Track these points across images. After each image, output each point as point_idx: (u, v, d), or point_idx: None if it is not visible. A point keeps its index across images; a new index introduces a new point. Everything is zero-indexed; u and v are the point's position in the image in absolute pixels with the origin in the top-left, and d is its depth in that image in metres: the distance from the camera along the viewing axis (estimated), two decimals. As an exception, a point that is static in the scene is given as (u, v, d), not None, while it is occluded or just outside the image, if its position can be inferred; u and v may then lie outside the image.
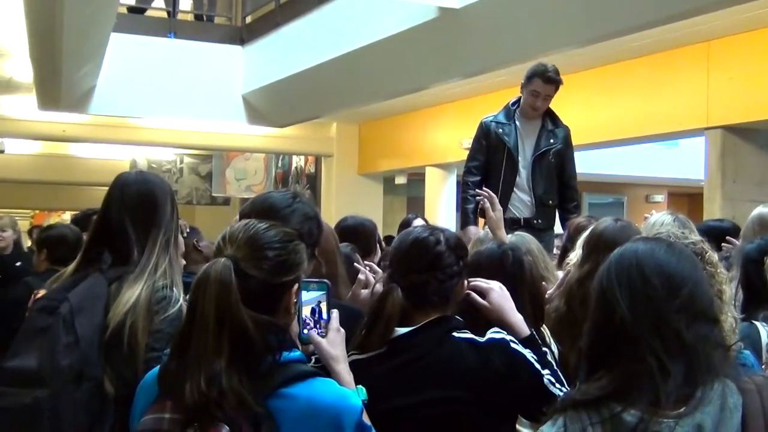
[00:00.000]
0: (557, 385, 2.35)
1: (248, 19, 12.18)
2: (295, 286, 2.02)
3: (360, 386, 2.15)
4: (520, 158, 5.42)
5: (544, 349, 2.49)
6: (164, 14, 12.13)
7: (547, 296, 3.15)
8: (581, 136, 10.11)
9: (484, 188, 4.76)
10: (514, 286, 2.63)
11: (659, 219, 3.70)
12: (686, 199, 15.56)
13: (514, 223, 5.21)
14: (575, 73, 9.47)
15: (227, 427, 1.80)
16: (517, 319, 2.49)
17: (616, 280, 1.81)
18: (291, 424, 1.86)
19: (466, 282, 2.50)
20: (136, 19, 11.67)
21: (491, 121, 5.50)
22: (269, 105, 11.68)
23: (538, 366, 2.35)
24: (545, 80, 5.30)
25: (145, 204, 2.54)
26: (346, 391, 1.99)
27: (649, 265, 1.80)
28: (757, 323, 2.94)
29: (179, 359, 1.89)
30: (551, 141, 5.43)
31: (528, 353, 2.36)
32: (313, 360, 2.19)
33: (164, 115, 12.10)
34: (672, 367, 1.70)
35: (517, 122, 5.47)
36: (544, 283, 3.13)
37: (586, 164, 12.10)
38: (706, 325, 1.77)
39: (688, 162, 12.44)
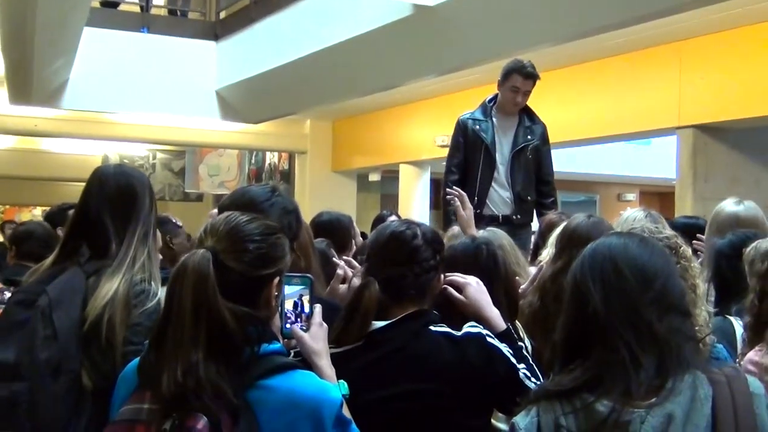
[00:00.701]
0: (533, 379, 2.39)
1: (222, 15, 12.15)
2: (276, 279, 2.03)
3: (342, 381, 2.17)
4: (497, 155, 5.45)
5: (520, 343, 2.52)
6: (137, 9, 12.09)
7: (520, 291, 3.18)
8: (554, 134, 10.09)
9: (454, 187, 4.80)
10: (488, 280, 2.66)
11: (632, 215, 3.73)
12: (657, 198, 15.70)
13: (493, 220, 5.24)
14: (549, 71, 9.43)
15: (205, 418, 1.81)
16: (494, 313, 2.53)
17: (590, 272, 1.84)
18: (270, 415, 1.87)
19: (442, 276, 2.53)
20: (109, 14, 11.60)
21: (468, 119, 5.53)
22: (243, 101, 11.65)
23: (513, 360, 2.38)
24: (524, 75, 5.35)
25: (123, 197, 2.55)
26: (326, 384, 2.01)
27: (622, 259, 1.84)
28: (731, 318, 3.00)
29: (157, 350, 1.90)
30: (529, 137, 5.47)
31: (504, 347, 2.39)
32: (292, 354, 2.21)
33: (137, 110, 12.03)
34: (644, 359, 1.74)
35: (494, 119, 5.50)
36: (517, 278, 3.16)
37: (558, 162, 12.03)
38: (677, 317, 1.81)
39: (660, 161, 12.55)
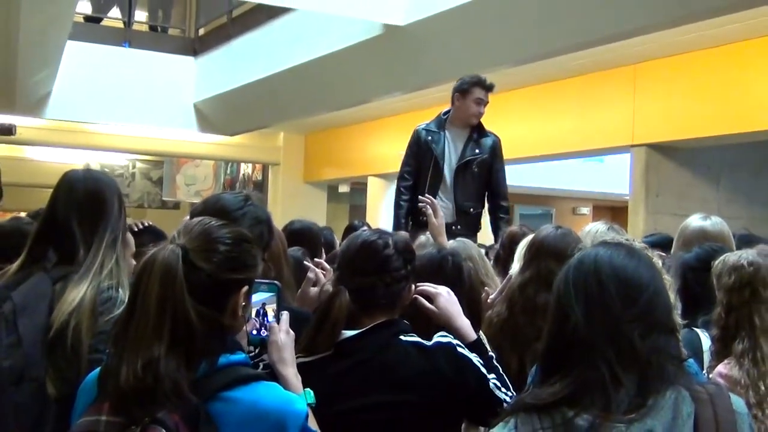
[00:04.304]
0: (503, 389, 2.23)
1: (201, 32, 12.11)
2: (245, 289, 1.84)
3: (308, 389, 2.01)
4: (445, 166, 5.35)
5: (490, 353, 2.36)
6: (120, 24, 12.00)
7: (489, 301, 3.03)
8: (516, 150, 10.10)
9: (426, 195, 4.67)
10: (452, 290, 2.49)
11: (594, 227, 3.60)
12: (610, 212, 15.66)
13: None
14: (510, 91, 9.47)
15: (164, 431, 1.63)
16: (464, 323, 2.36)
17: (573, 285, 1.67)
18: (233, 428, 1.70)
19: (413, 286, 2.37)
20: (93, 28, 11.55)
21: (423, 129, 5.45)
22: (219, 114, 11.54)
23: (484, 370, 2.22)
24: (486, 88, 5.30)
25: (92, 202, 2.35)
26: (291, 396, 1.84)
27: (606, 271, 1.66)
28: (698, 330, 2.85)
29: (119, 345, 1.72)
30: (476, 151, 5.36)
31: (474, 357, 2.23)
32: (262, 366, 2.04)
33: (118, 121, 11.89)
34: (624, 378, 1.58)
35: (447, 131, 5.40)
36: (487, 288, 3.02)
37: (517, 177, 12.10)
38: (662, 335, 1.64)
39: (612, 178, 12.57)
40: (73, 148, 14.02)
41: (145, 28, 12.65)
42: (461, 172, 5.34)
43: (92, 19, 11.77)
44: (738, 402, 1.62)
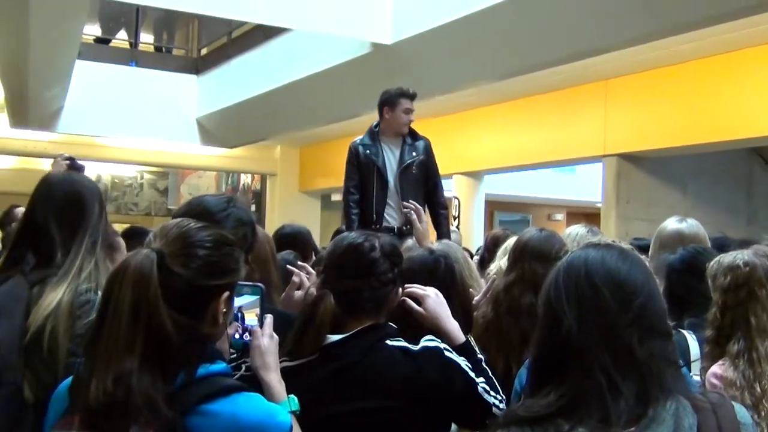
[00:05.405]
0: (492, 393, 2.00)
1: (203, 51, 12.03)
2: (226, 294, 1.59)
3: (292, 396, 1.78)
4: (388, 174, 5.15)
5: (479, 356, 2.13)
6: (127, 45, 11.92)
7: (474, 303, 2.81)
8: (495, 160, 9.98)
9: (411, 201, 4.45)
10: (446, 293, 2.24)
11: (574, 230, 3.41)
12: (583, 218, 15.46)
13: (389, 231, 4.92)
14: (491, 105, 9.34)
15: None
16: (453, 326, 2.12)
17: (564, 288, 1.42)
18: None
19: (400, 289, 2.13)
20: (102, 49, 11.48)
21: (359, 144, 5.22)
22: (220, 128, 11.41)
23: (472, 374, 1.99)
24: (411, 98, 5.10)
25: (71, 205, 2.11)
26: (273, 408, 1.58)
27: (598, 273, 1.42)
28: (684, 332, 2.62)
29: (89, 359, 1.46)
30: (413, 154, 5.18)
31: (462, 361, 1.99)
32: (244, 368, 1.82)
33: (126, 135, 11.77)
34: (623, 386, 1.34)
35: (382, 142, 5.19)
36: (471, 290, 2.79)
37: (497, 186, 11.99)
38: (659, 339, 1.40)
39: (584, 186, 12.45)
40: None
41: (150, 48, 12.57)
42: (403, 175, 5.14)
43: (102, 41, 11.72)
44: (742, 411, 1.37)
